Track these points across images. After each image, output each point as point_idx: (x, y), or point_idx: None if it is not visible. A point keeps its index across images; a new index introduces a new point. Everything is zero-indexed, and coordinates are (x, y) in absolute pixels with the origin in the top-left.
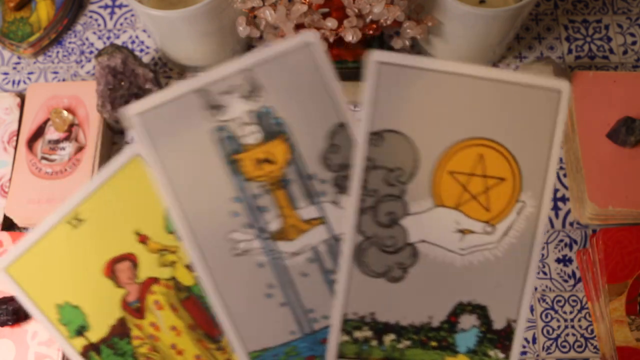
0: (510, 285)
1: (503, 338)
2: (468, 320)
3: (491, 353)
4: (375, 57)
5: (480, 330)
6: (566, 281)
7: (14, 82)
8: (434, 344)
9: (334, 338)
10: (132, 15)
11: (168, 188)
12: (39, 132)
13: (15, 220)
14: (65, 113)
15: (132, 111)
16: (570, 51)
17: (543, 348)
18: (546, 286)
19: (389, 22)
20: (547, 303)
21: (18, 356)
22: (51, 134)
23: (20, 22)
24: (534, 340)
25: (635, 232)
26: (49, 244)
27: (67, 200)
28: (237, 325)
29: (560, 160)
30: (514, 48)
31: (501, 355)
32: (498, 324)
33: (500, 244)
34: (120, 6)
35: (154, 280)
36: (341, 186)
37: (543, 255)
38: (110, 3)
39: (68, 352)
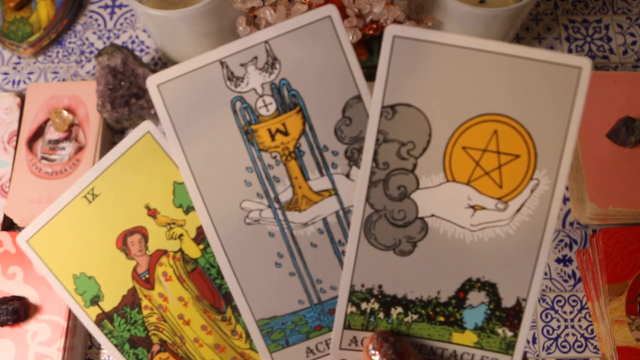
0: (521, 264)
1: (512, 316)
2: (477, 297)
3: (499, 331)
4: (390, 30)
5: (488, 308)
6: (566, 281)
7: (14, 82)
8: (441, 319)
9: (341, 309)
10: (132, 15)
11: (182, 158)
12: (39, 132)
13: (15, 220)
14: (65, 113)
15: (152, 83)
16: (570, 51)
17: (543, 348)
18: (546, 286)
19: (389, 22)
20: (547, 303)
21: (18, 356)
22: (51, 134)
23: (20, 22)
24: (534, 340)
25: (635, 232)
26: (66, 217)
27: (84, 176)
28: (247, 293)
29: None
30: None
31: (509, 334)
32: (507, 302)
33: (512, 222)
34: (120, 6)
35: (162, 252)
36: (353, 159)
37: None
38: (110, 3)
39: (83, 320)
